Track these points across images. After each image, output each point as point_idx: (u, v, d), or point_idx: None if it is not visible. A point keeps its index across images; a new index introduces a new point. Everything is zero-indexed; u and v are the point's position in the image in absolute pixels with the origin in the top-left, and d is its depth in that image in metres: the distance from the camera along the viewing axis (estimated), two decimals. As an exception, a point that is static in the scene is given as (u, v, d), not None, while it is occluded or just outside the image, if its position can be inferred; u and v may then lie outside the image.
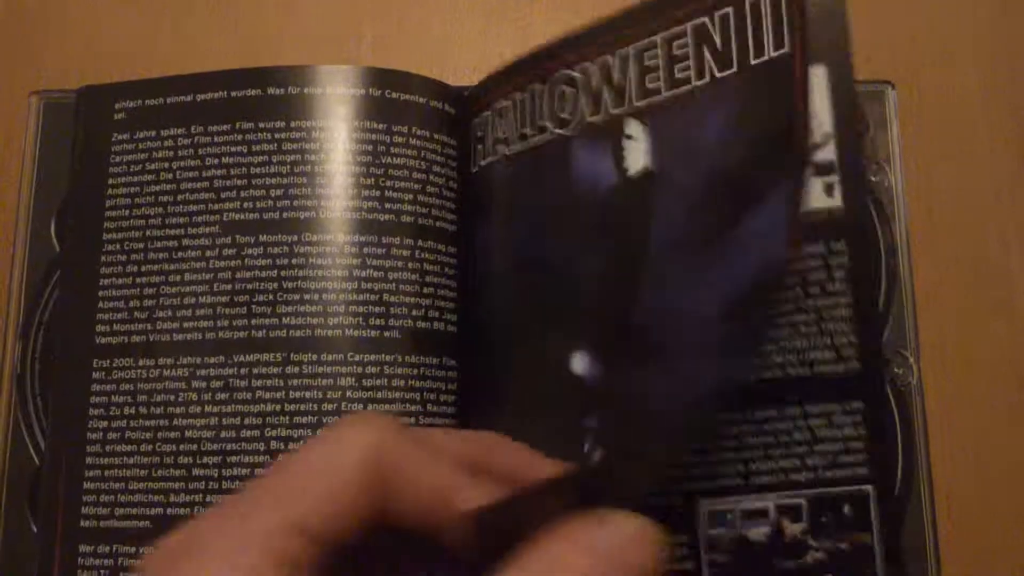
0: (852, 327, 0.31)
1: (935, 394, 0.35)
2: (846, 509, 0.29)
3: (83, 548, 0.34)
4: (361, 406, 0.33)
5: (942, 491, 0.34)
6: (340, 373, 0.33)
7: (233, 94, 0.36)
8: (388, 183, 0.35)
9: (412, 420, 0.33)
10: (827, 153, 0.31)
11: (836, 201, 0.31)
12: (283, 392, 0.33)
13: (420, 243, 0.34)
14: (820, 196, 0.31)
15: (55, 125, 0.37)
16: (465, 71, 0.39)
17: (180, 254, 0.35)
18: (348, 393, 0.33)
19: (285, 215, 0.34)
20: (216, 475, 0.33)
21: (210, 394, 0.33)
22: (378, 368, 0.33)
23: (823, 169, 0.31)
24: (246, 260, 0.34)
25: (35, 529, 0.34)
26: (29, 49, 0.40)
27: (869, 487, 0.30)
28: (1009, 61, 0.39)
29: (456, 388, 0.34)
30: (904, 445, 0.34)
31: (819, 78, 0.31)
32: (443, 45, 0.40)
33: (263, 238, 0.34)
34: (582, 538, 0.18)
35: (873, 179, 0.36)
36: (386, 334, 0.33)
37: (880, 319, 0.33)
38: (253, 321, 0.34)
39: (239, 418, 0.33)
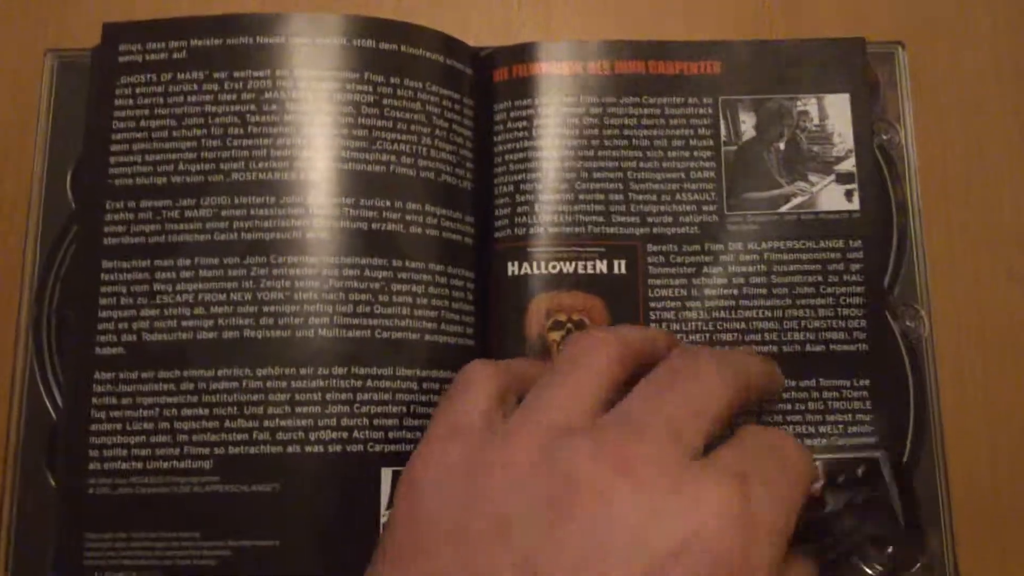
0: (863, 313, 0.35)
1: (946, 348, 0.36)
2: (860, 471, 0.32)
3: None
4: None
5: (954, 442, 0.35)
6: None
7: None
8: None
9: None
10: (848, 165, 0.37)
11: (855, 205, 0.36)
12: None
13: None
14: (841, 200, 0.36)
15: (72, 83, 0.37)
16: (486, 37, 0.39)
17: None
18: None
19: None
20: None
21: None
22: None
23: (844, 178, 0.37)
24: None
25: (53, 484, 0.34)
26: (46, 6, 0.40)
27: (879, 452, 0.33)
28: (1021, 20, 0.40)
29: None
30: (916, 398, 0.35)
31: (843, 103, 0.37)
32: (463, 10, 0.40)
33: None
34: None
35: (884, 137, 0.37)
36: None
37: (891, 276, 0.36)
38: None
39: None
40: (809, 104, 0.37)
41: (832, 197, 0.36)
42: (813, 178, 0.36)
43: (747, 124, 0.37)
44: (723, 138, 0.37)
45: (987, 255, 0.38)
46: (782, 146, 0.37)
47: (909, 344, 0.36)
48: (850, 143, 0.37)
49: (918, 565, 0.33)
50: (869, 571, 0.32)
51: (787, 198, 0.36)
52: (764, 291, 0.35)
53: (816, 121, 0.37)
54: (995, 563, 0.35)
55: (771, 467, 0.23)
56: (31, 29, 0.40)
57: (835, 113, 0.37)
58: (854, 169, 0.36)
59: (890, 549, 0.33)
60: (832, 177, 0.37)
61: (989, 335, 0.37)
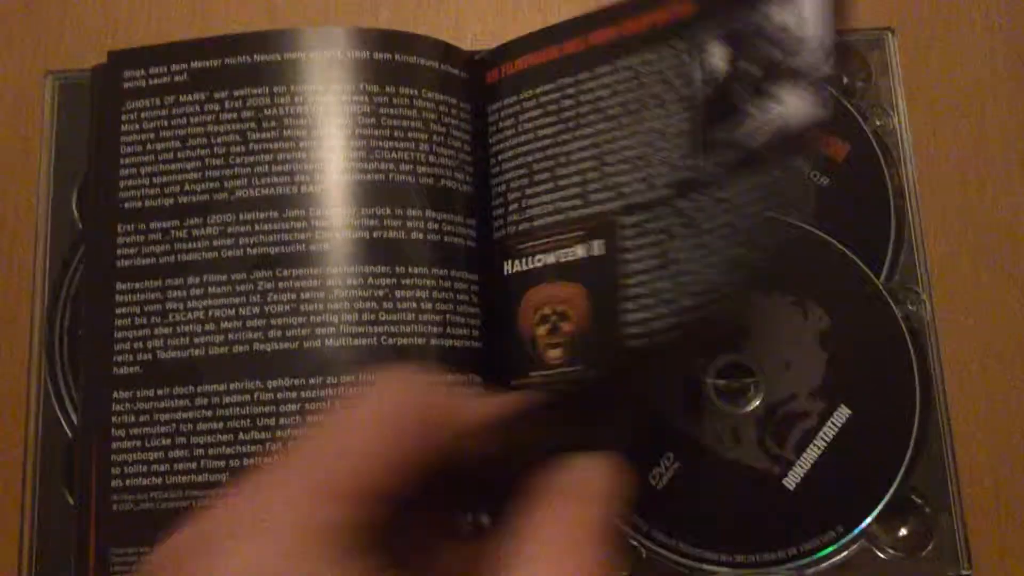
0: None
1: (947, 330, 0.36)
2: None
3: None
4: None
5: (959, 425, 0.35)
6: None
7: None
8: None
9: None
10: (828, 66, 0.31)
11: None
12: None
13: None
14: (820, 104, 0.31)
15: (73, 104, 0.38)
16: (481, 42, 0.40)
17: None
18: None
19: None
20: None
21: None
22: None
23: (825, 81, 0.31)
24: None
25: (72, 502, 0.34)
26: (46, 29, 0.41)
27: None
28: (1012, 4, 0.39)
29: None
30: (921, 382, 0.35)
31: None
32: (458, 17, 0.41)
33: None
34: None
35: (878, 123, 0.37)
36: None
37: (890, 262, 0.36)
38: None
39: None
40: (787, 12, 0.32)
41: (810, 104, 0.31)
42: (790, 94, 0.31)
43: (720, 60, 0.33)
44: (698, 84, 0.33)
45: (983, 235, 0.38)
46: (759, 71, 0.32)
47: (912, 328, 0.35)
48: (830, 40, 0.31)
49: (930, 546, 0.33)
50: (882, 555, 0.32)
51: (763, 124, 0.31)
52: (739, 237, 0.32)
53: (795, 31, 0.32)
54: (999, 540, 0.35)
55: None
56: (30, 51, 0.40)
57: (813, 11, 0.31)
58: (832, 70, 0.31)
59: (902, 531, 0.33)
60: (810, 84, 0.31)
61: (988, 317, 0.37)
